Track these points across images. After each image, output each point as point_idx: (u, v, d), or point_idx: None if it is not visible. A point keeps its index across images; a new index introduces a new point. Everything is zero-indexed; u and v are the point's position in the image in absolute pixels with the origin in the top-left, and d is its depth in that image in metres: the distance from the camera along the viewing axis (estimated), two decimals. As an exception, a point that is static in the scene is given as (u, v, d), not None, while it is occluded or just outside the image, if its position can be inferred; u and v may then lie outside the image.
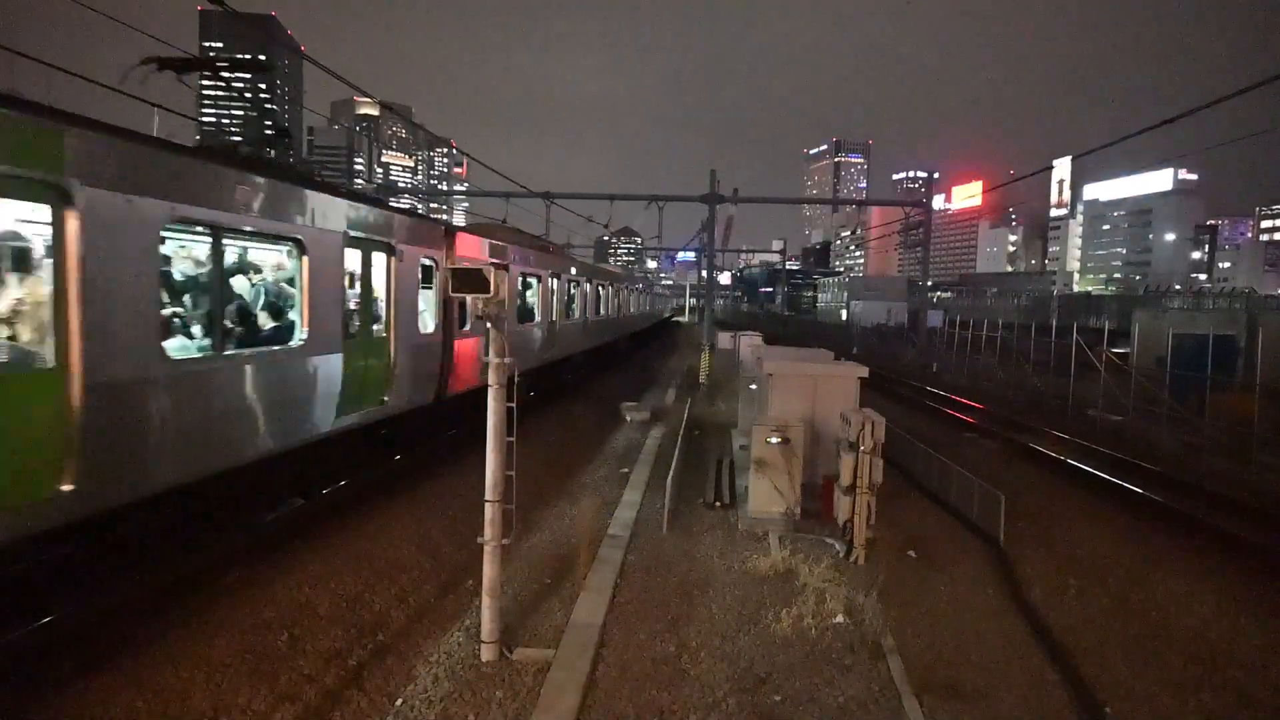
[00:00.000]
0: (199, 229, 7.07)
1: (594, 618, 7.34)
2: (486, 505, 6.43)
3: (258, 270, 8.85)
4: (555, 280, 18.96)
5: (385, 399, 10.24)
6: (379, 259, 10.12)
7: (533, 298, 17.42)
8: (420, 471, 11.85)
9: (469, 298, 6.02)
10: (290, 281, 8.67)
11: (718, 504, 11.40)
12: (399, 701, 5.86)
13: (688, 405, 19.00)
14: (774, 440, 10.46)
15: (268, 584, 7.47)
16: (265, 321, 8.35)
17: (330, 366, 8.85)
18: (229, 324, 7.62)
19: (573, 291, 21.25)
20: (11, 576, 5.75)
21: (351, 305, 9.60)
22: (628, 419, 18.83)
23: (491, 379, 6.38)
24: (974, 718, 6.20)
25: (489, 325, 6.26)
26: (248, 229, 7.56)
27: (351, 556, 8.40)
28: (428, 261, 11.53)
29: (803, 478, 10.75)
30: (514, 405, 6.50)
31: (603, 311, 26.18)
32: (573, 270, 21.49)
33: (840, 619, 7.53)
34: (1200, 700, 6.73)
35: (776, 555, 9.12)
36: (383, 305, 10.25)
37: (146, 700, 5.54)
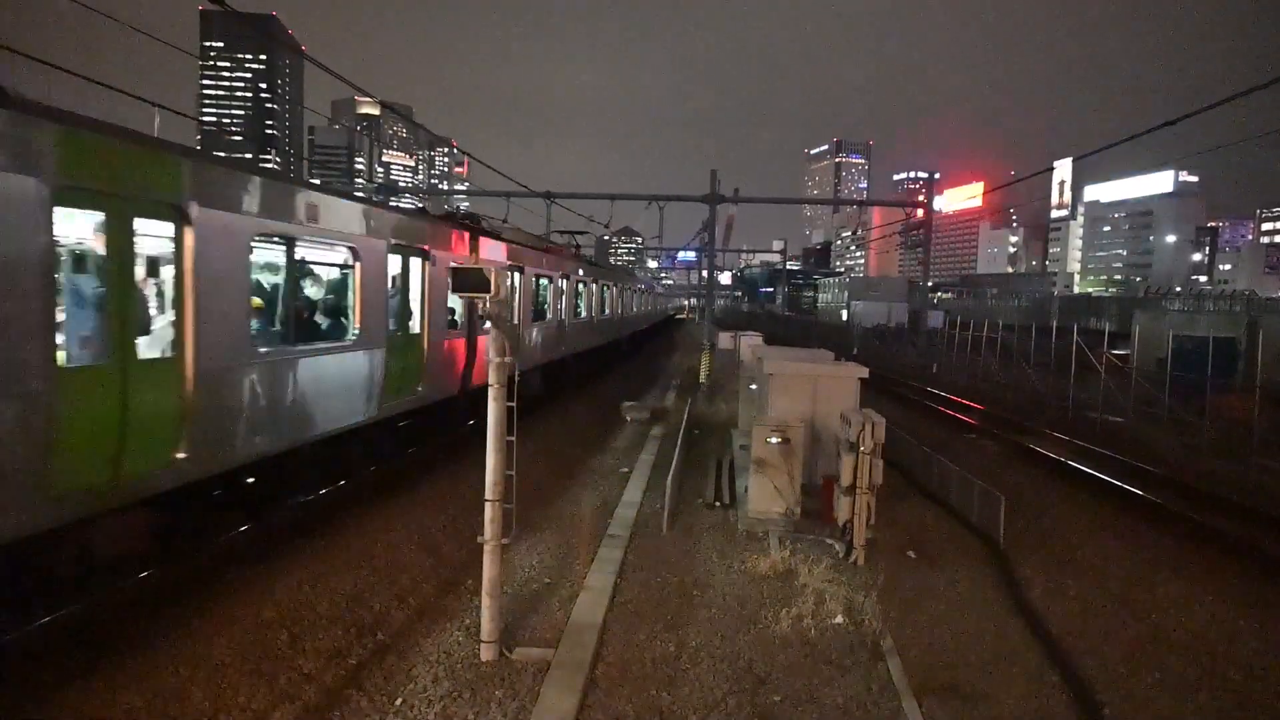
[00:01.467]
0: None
1: (594, 617, 7.34)
2: (486, 505, 6.43)
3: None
4: (610, 288, 27.79)
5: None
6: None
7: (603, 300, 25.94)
8: (420, 471, 11.86)
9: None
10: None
11: (718, 504, 11.40)
12: (399, 701, 5.86)
13: (688, 405, 19.00)
14: (774, 440, 10.46)
15: (267, 583, 7.47)
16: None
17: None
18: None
19: (617, 294, 29.91)
20: (11, 576, 5.75)
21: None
22: (628, 418, 18.83)
23: (492, 378, 6.38)
24: (973, 718, 6.20)
25: (492, 325, 6.26)
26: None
27: (351, 555, 8.40)
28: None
29: (803, 478, 10.76)
30: (514, 405, 6.50)
31: (616, 309, 30.71)
32: (627, 281, 34.53)
33: (840, 619, 7.53)
34: (1199, 701, 6.73)
35: (776, 555, 9.12)
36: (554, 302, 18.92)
37: (146, 699, 5.54)
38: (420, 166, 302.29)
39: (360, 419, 9.48)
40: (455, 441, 13.34)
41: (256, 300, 7.96)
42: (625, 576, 8.55)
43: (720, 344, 28.38)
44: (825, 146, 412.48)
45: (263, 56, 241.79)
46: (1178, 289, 79.92)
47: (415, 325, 10.97)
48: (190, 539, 7.63)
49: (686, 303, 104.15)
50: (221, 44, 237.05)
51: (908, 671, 6.66)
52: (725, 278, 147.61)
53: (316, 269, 9.54)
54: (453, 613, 7.44)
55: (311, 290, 9.52)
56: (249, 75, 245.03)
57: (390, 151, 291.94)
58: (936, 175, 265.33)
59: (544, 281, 17.81)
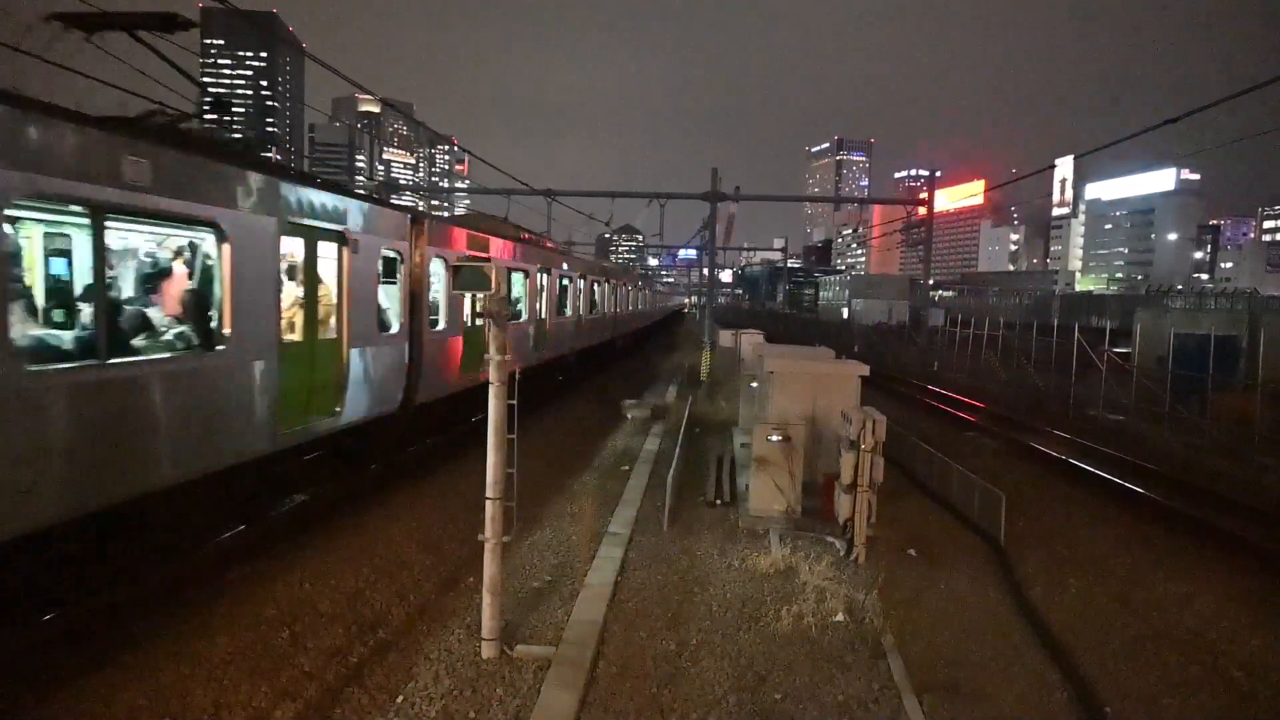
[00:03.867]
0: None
1: (594, 615, 7.34)
2: (487, 502, 6.42)
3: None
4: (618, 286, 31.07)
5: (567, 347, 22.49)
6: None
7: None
8: (421, 469, 11.86)
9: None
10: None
11: (718, 502, 11.40)
12: (399, 699, 5.86)
13: (688, 403, 19.00)
14: (775, 438, 10.45)
15: (269, 581, 7.48)
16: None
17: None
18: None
19: (627, 293, 33.02)
20: (11, 573, 5.75)
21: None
22: (629, 416, 18.83)
23: (492, 377, 6.37)
24: (974, 717, 6.20)
25: (490, 322, 6.25)
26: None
27: (352, 553, 8.41)
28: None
29: (803, 476, 10.74)
30: (514, 403, 6.50)
31: (624, 308, 33.04)
32: (633, 282, 37.89)
33: (840, 617, 7.53)
34: (1200, 700, 6.72)
35: (777, 553, 9.12)
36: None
37: (148, 697, 5.54)
38: (421, 164, 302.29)
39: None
40: (456, 440, 13.34)
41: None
42: (626, 574, 8.55)
43: (721, 342, 28.34)
44: (826, 144, 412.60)
45: (263, 54, 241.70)
46: (1179, 287, 79.94)
47: (529, 309, 17.32)
48: (190, 538, 7.63)
49: (687, 300, 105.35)
50: (222, 41, 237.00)
51: (908, 669, 6.65)
52: (726, 275, 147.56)
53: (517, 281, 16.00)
54: (453, 610, 7.44)
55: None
56: (250, 73, 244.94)
57: (391, 149, 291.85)
58: (938, 173, 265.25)
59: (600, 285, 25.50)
